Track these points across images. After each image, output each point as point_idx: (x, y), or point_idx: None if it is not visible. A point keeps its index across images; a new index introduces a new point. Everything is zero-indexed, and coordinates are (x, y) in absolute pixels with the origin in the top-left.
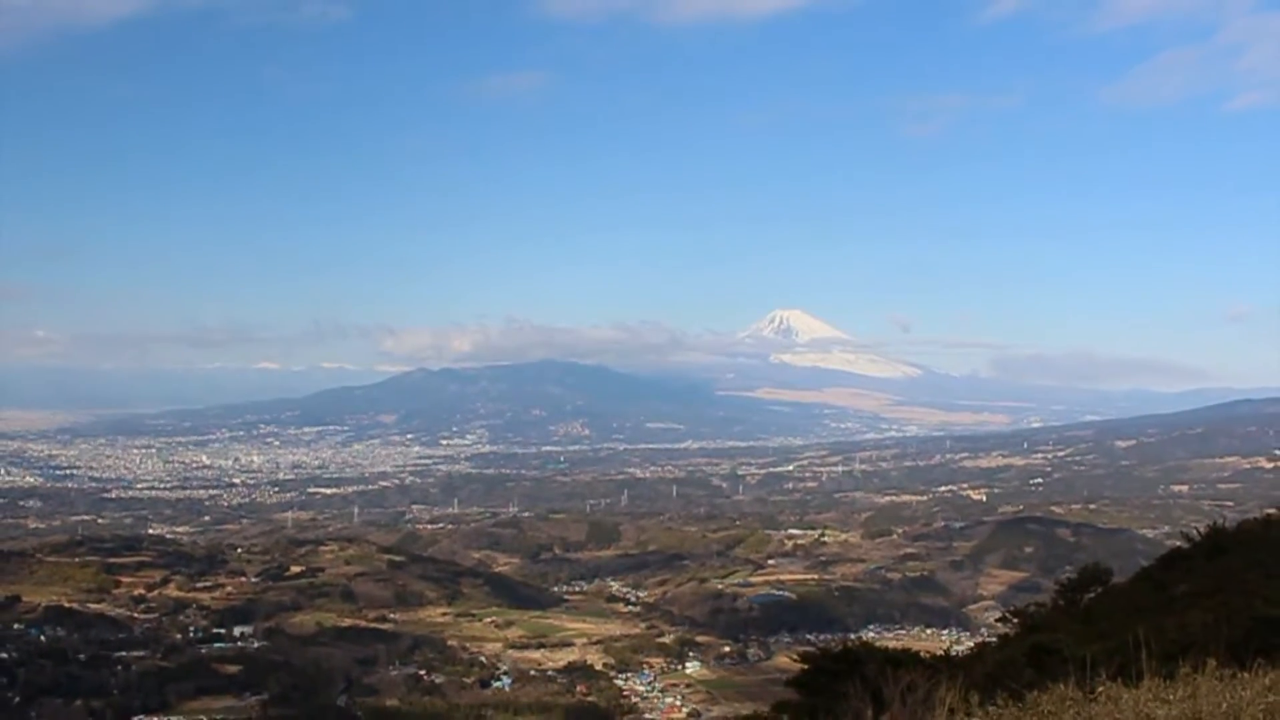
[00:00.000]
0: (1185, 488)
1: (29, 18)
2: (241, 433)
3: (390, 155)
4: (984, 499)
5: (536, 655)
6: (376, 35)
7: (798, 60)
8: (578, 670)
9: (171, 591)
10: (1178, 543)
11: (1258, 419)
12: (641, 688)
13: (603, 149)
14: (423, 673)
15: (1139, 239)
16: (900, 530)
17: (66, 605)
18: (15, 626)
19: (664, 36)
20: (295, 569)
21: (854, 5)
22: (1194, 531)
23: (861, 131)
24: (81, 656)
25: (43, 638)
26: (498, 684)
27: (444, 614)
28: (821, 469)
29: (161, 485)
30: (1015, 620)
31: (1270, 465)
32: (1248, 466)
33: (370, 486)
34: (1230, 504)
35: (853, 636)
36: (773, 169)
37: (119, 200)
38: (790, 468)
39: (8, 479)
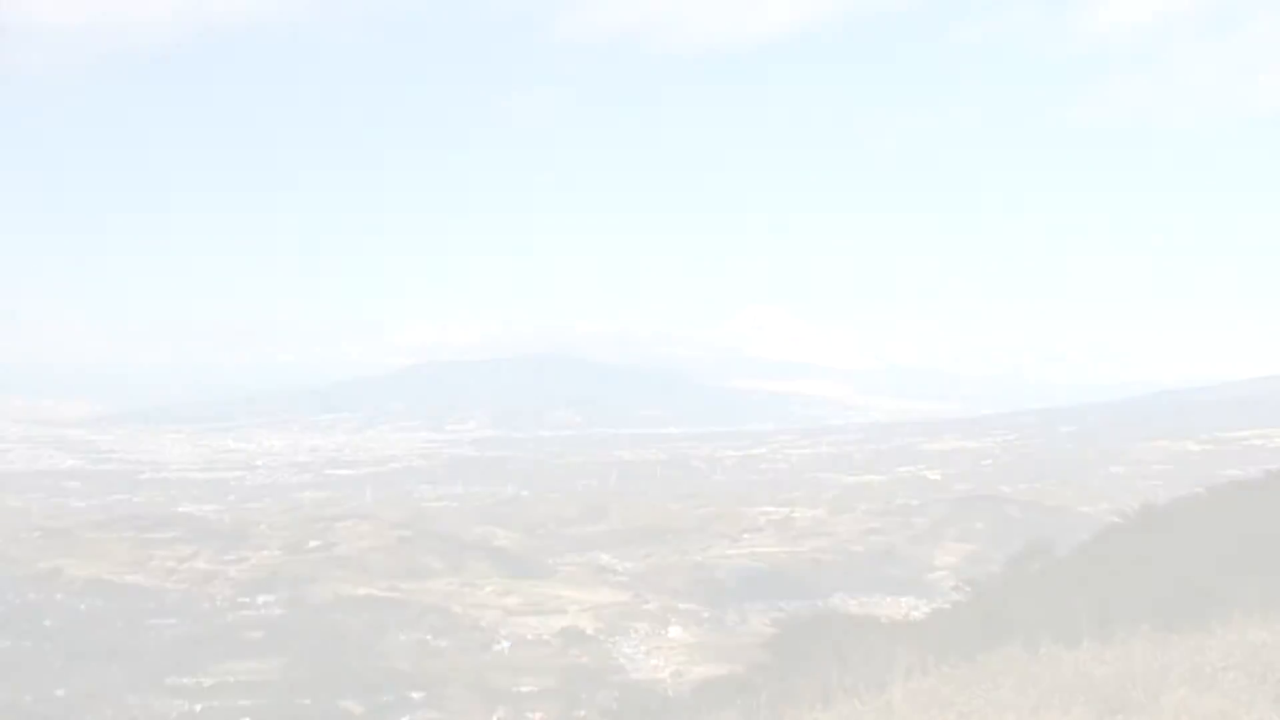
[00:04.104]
0: (1121, 469)
1: (81, 38)
2: (264, 419)
3: (404, 165)
4: (940, 479)
5: (533, 621)
6: (394, 54)
7: (782, 77)
8: (571, 634)
9: (201, 564)
10: (1114, 518)
11: (1186, 406)
12: (629, 650)
13: (600, 160)
14: (429, 637)
15: (1088, 243)
16: (864, 507)
17: (105, 577)
18: (58, 597)
19: (662, 58)
20: (314, 543)
21: (836, 29)
22: (1129, 508)
23: (840, 142)
24: (119, 623)
25: (83, 607)
26: (498, 647)
27: (449, 584)
28: (792, 452)
29: (191, 468)
30: (968, 588)
31: (1197, 448)
32: (1177, 450)
33: (381, 468)
34: (1161, 484)
35: (821, 603)
36: (755, 179)
37: (156, 205)
38: (763, 450)
39: (51, 462)
